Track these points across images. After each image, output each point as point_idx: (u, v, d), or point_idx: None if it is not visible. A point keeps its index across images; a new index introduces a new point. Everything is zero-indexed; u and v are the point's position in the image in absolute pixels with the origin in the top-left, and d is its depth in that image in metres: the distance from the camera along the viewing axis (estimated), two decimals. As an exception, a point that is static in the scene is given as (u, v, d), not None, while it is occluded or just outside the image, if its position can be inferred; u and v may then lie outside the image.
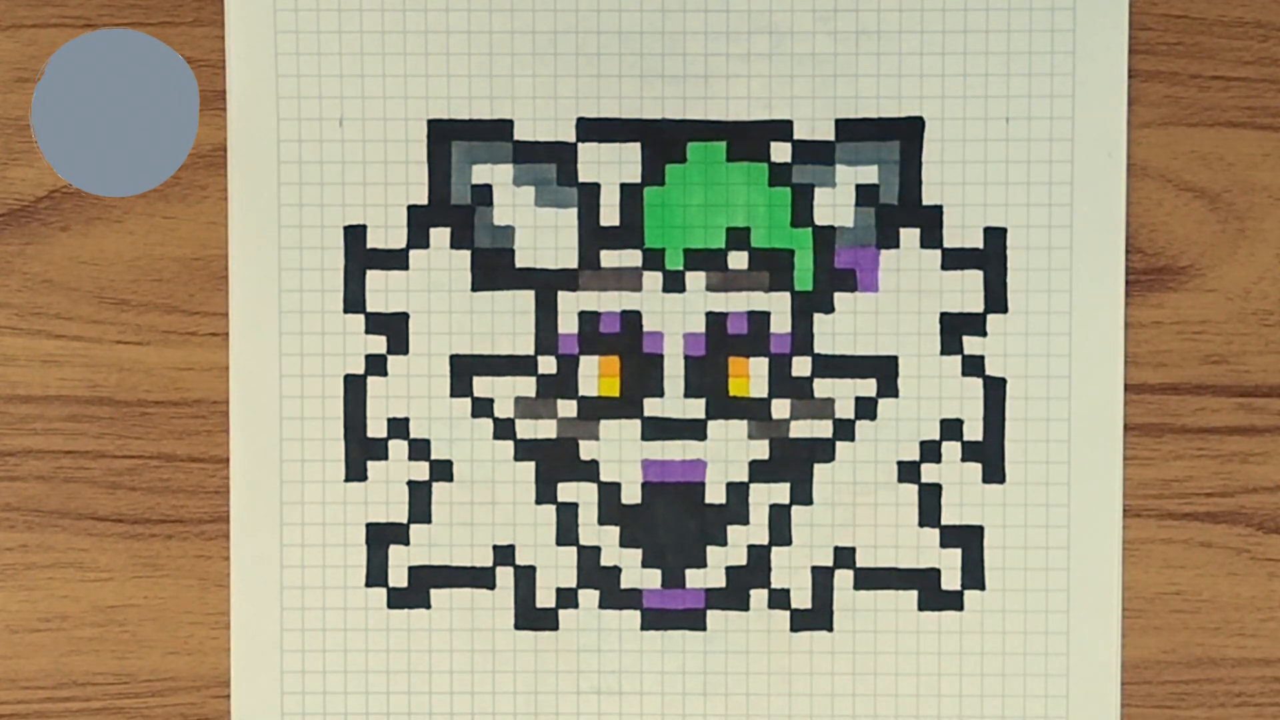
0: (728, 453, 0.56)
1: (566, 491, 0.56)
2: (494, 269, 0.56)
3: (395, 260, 0.56)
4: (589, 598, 0.56)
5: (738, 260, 0.56)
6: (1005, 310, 0.56)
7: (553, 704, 0.56)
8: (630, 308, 0.56)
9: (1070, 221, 0.56)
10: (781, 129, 0.56)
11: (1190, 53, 0.56)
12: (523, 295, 0.56)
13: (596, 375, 0.56)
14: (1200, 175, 0.56)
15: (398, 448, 0.56)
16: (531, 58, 0.56)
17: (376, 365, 0.56)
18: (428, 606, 0.56)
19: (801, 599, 0.56)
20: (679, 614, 0.56)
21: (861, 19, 0.55)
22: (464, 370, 0.56)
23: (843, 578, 0.56)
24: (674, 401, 0.56)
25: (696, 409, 0.56)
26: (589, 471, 0.56)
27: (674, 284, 0.56)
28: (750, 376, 0.56)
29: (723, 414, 0.56)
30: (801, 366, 0.56)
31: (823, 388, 0.56)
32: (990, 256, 0.56)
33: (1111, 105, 0.56)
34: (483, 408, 0.56)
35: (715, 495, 0.56)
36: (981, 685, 0.56)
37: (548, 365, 0.56)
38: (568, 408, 0.56)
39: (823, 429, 0.56)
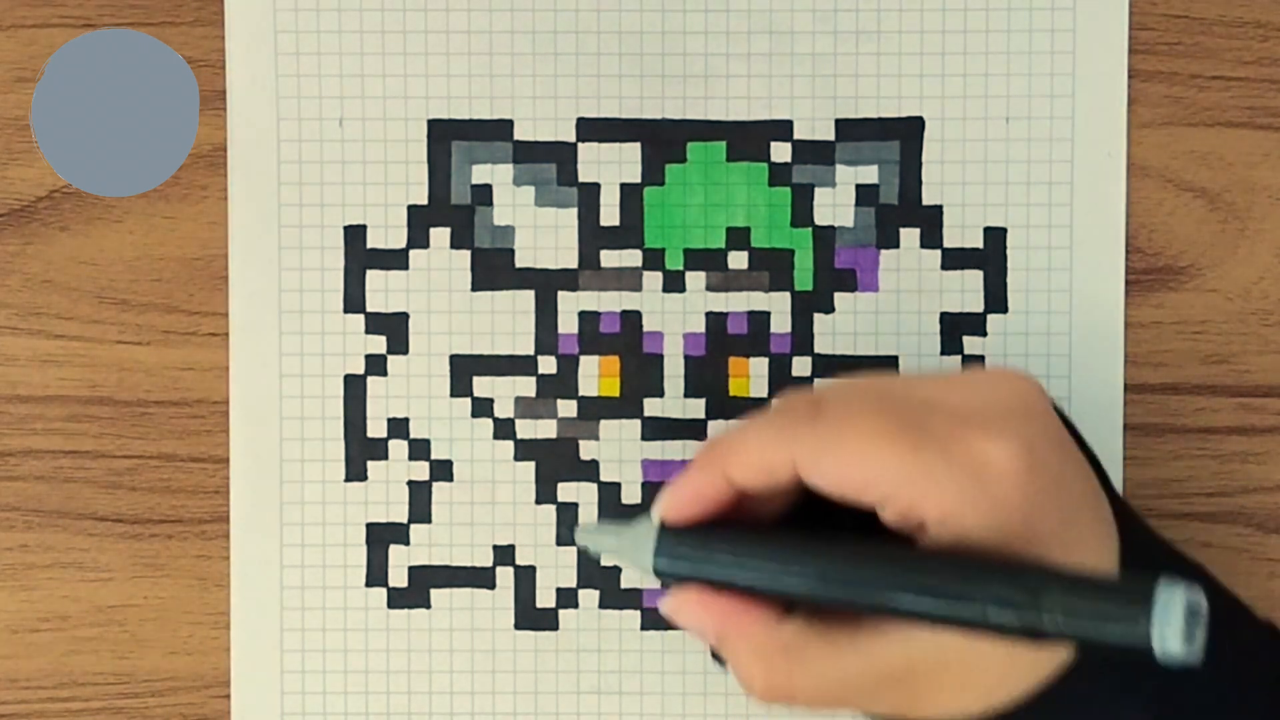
0: (728, 453, 0.56)
1: (566, 491, 0.56)
2: (494, 269, 0.56)
3: (395, 260, 0.56)
4: (589, 597, 0.56)
5: (738, 260, 0.56)
6: (1005, 310, 0.56)
7: (553, 704, 0.56)
8: (630, 308, 0.56)
9: (1070, 221, 0.56)
10: (781, 129, 0.56)
11: (1190, 53, 0.56)
12: (523, 295, 0.56)
13: (596, 375, 0.56)
14: (1200, 175, 0.56)
15: (398, 448, 0.56)
16: (531, 58, 0.56)
17: (376, 365, 0.56)
18: (428, 606, 0.56)
19: (801, 599, 0.56)
20: (679, 614, 0.56)
21: (861, 19, 0.55)
22: (464, 370, 0.56)
23: (843, 578, 0.56)
24: (674, 401, 0.56)
25: (696, 409, 0.56)
26: (589, 471, 0.56)
27: (674, 284, 0.56)
28: (750, 376, 0.56)
29: (723, 414, 0.56)
30: (801, 366, 0.56)
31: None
32: (990, 256, 0.56)
33: (1111, 105, 0.56)
34: (483, 408, 0.56)
35: (715, 495, 0.56)
36: (981, 685, 0.56)
37: (548, 365, 0.56)
38: (568, 408, 0.56)
39: (823, 429, 0.56)
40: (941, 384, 0.46)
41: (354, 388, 0.56)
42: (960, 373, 0.48)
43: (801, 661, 0.46)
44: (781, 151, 0.56)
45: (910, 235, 0.56)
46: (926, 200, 0.56)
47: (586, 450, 0.56)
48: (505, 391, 0.56)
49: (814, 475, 0.45)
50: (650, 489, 0.56)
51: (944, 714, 0.46)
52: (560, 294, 0.56)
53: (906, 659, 0.45)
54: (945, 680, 0.45)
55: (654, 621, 0.56)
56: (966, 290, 0.56)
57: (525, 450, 0.56)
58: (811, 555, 0.44)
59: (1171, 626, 0.38)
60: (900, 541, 0.45)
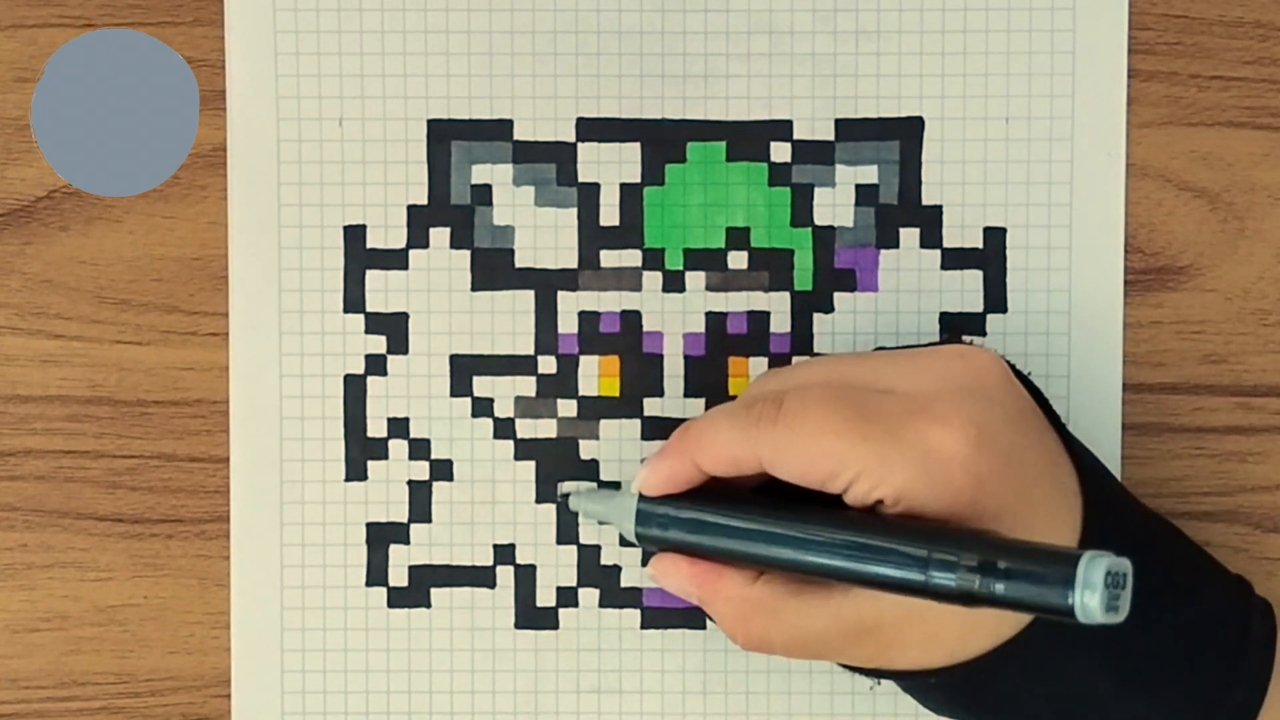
0: (728, 452, 0.56)
1: (566, 490, 0.56)
2: (494, 269, 0.56)
3: (395, 260, 0.56)
4: (589, 596, 0.56)
5: (737, 260, 0.56)
6: (1005, 310, 0.56)
7: (553, 703, 0.56)
8: (630, 308, 0.56)
9: (1070, 221, 0.56)
10: (781, 129, 0.56)
11: (1190, 53, 0.56)
12: (523, 295, 0.56)
13: (596, 375, 0.56)
14: (1200, 175, 0.56)
15: (398, 447, 0.56)
16: (531, 58, 0.56)
17: (376, 365, 0.56)
18: (428, 606, 0.56)
19: (801, 598, 0.56)
20: (679, 613, 0.56)
21: (861, 19, 0.55)
22: (464, 370, 0.56)
23: (842, 577, 0.56)
24: (674, 401, 0.56)
25: (696, 409, 0.56)
26: (589, 471, 0.56)
27: (674, 284, 0.56)
28: (750, 376, 0.56)
29: (723, 414, 0.56)
30: (801, 366, 0.56)
31: (822, 388, 0.56)
32: (990, 256, 0.56)
33: (1111, 105, 0.56)
34: (483, 407, 0.56)
35: (715, 495, 0.56)
36: (981, 684, 0.56)
37: (548, 365, 0.56)
38: (568, 407, 0.56)
39: (822, 429, 0.56)
40: (898, 367, 0.49)
41: (354, 388, 0.56)
42: (918, 352, 0.49)
43: (776, 617, 0.49)
44: (781, 151, 0.56)
45: (910, 235, 0.56)
46: (926, 200, 0.56)
47: (586, 450, 0.56)
48: (505, 391, 0.56)
49: (778, 470, 0.48)
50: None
51: (912, 665, 0.49)
52: (560, 294, 0.56)
53: (875, 616, 0.48)
54: (911, 636, 0.48)
55: (654, 621, 0.56)
56: (966, 290, 0.56)
57: (525, 450, 0.56)
58: (770, 528, 0.48)
59: (1094, 594, 0.42)
60: (862, 513, 0.48)
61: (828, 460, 0.47)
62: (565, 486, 0.56)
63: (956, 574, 0.44)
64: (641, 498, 0.51)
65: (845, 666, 0.51)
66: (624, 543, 0.56)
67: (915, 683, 0.50)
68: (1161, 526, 0.51)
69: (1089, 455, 0.50)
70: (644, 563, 0.56)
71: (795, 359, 0.56)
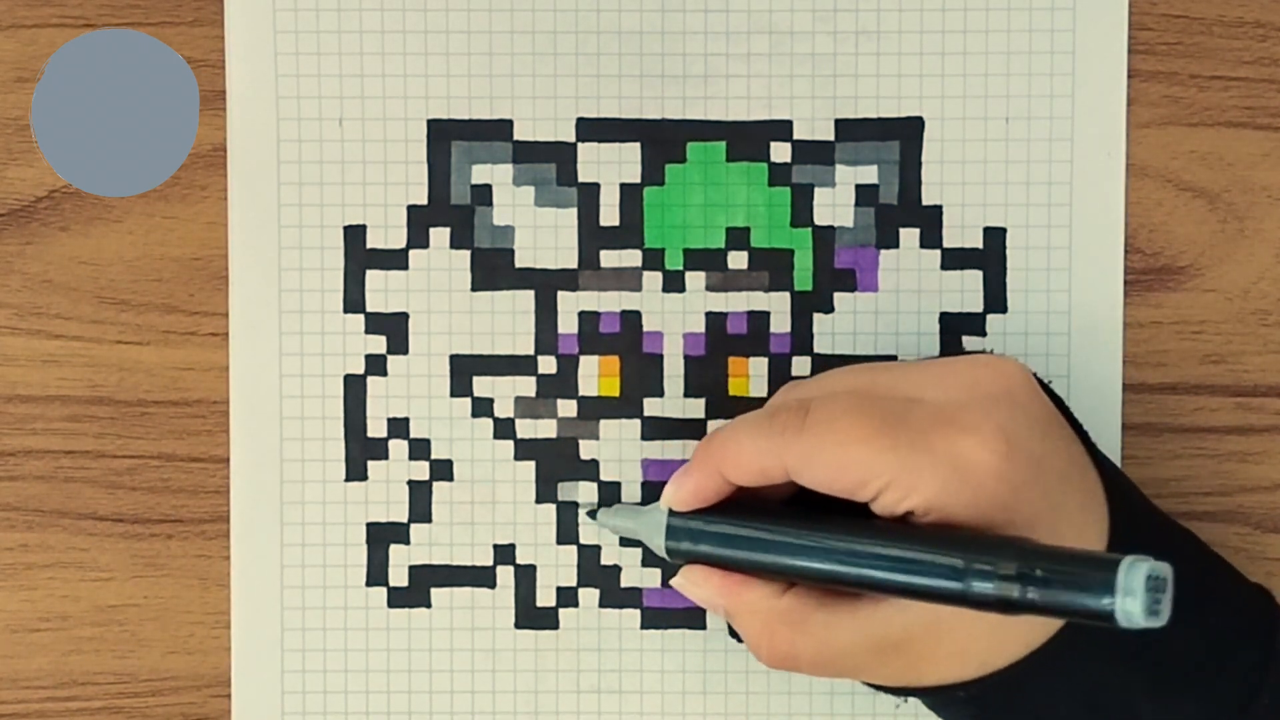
0: (728, 452, 0.56)
1: (566, 491, 0.56)
2: (494, 269, 0.56)
3: (395, 260, 0.56)
4: (589, 596, 0.56)
5: (737, 260, 0.56)
6: (1005, 310, 0.56)
7: (553, 703, 0.56)
8: (630, 308, 0.56)
9: (1070, 221, 0.56)
10: (781, 129, 0.56)
11: (1190, 53, 0.56)
12: (523, 295, 0.56)
13: (596, 375, 0.56)
14: (1200, 175, 0.56)
15: (398, 447, 0.56)
16: (531, 58, 0.56)
17: (376, 365, 0.56)
18: (428, 606, 0.56)
19: (801, 598, 0.56)
20: (679, 613, 0.56)
21: (861, 19, 0.55)
22: (464, 370, 0.56)
23: (842, 577, 0.56)
24: (674, 401, 0.56)
25: (696, 409, 0.56)
26: (589, 471, 0.56)
27: (674, 284, 0.56)
28: (750, 376, 0.56)
29: (723, 414, 0.56)
30: (801, 366, 0.56)
31: (822, 388, 0.56)
32: (990, 256, 0.56)
33: (1111, 105, 0.56)
34: (483, 408, 0.56)
35: (715, 495, 0.56)
36: (981, 684, 0.56)
37: (548, 365, 0.56)
38: (568, 407, 0.56)
39: (822, 429, 0.56)
40: (924, 376, 0.49)
41: (354, 388, 0.56)
42: (943, 361, 0.49)
43: (803, 631, 0.49)
44: (781, 151, 0.56)
45: (910, 235, 0.56)
46: (926, 200, 0.56)
47: (586, 450, 0.56)
48: (505, 391, 0.56)
49: (805, 479, 0.48)
50: (650, 489, 0.56)
51: (942, 680, 0.48)
52: (560, 294, 0.56)
53: (903, 629, 0.47)
54: (940, 650, 0.47)
55: (654, 621, 0.56)
56: (966, 290, 0.56)
57: (525, 450, 0.56)
58: (802, 539, 0.48)
59: (1135, 598, 0.41)
60: (893, 523, 0.47)
61: (855, 468, 0.46)
62: (599, 513, 0.56)
63: (995, 582, 0.43)
64: (671, 513, 0.51)
65: (872, 686, 0.51)
66: (623, 542, 0.56)
67: (943, 698, 0.49)
68: (1182, 533, 0.51)
69: (1110, 462, 0.50)
70: (664, 580, 0.56)
71: (795, 359, 0.56)
